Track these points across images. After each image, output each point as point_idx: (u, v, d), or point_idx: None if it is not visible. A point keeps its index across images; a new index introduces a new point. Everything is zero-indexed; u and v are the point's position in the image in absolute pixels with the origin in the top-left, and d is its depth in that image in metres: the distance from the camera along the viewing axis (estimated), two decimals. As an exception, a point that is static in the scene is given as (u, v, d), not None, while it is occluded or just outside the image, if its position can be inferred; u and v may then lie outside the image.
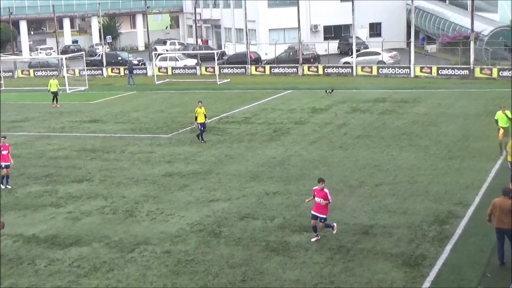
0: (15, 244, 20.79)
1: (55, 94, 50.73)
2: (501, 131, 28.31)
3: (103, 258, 19.30)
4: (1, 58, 71.52)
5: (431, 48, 71.36)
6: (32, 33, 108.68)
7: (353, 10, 63.68)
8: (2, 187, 27.28)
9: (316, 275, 17.44)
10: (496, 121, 29.06)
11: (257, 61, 69.84)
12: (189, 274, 17.89)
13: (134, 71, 64.86)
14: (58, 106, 50.10)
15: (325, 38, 78.42)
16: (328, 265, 18.02)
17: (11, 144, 35.96)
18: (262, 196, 24.65)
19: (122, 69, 71.21)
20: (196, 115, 34.40)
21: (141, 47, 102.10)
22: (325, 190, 19.37)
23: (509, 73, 53.19)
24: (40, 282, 17.83)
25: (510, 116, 28.71)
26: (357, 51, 63.34)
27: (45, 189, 26.97)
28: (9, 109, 49.08)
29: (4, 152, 27.28)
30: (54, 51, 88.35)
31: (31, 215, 23.69)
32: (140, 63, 74.95)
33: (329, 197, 19.36)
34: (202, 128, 34.60)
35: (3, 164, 27.21)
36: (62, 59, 67.80)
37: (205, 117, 34.59)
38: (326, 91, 49.68)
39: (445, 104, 42.89)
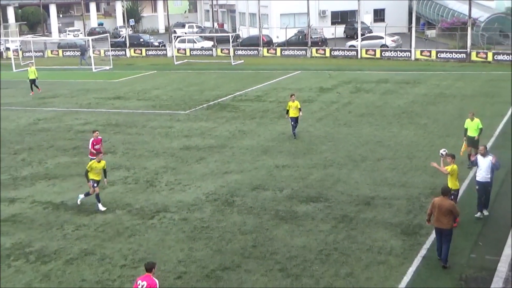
0: (45, 211, 20.96)
1: (32, 82, 46.51)
2: (464, 146, 23.26)
3: (125, 224, 19.42)
4: (32, 39, 71.53)
5: (431, 33, 70.72)
6: (61, 16, 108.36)
7: (359, -4, 63.07)
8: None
9: (321, 242, 17.49)
10: (466, 130, 23.46)
11: (269, 43, 69.37)
12: (205, 239, 17.98)
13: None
14: (39, 91, 46.32)
15: (333, 23, 77.93)
16: (332, 233, 18.07)
17: (41, 119, 36.35)
18: (272, 169, 24.65)
19: (144, 50, 71.18)
20: (288, 108, 29.43)
21: (162, 30, 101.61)
22: (155, 280, 12.47)
23: (504, 57, 52.79)
24: (68, 245, 17.97)
25: (480, 126, 23.43)
26: (362, 35, 62.82)
27: (72, 160, 27.08)
28: (39, 86, 49.12)
29: (96, 147, 23.54)
30: (81, 33, 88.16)
31: (60, 184, 23.82)
32: (160, 45, 75.09)
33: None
34: (293, 123, 29.33)
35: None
36: (88, 40, 67.72)
37: (300, 110, 29.28)
38: (329, 75, 49.57)
39: (443, 86, 42.58)
